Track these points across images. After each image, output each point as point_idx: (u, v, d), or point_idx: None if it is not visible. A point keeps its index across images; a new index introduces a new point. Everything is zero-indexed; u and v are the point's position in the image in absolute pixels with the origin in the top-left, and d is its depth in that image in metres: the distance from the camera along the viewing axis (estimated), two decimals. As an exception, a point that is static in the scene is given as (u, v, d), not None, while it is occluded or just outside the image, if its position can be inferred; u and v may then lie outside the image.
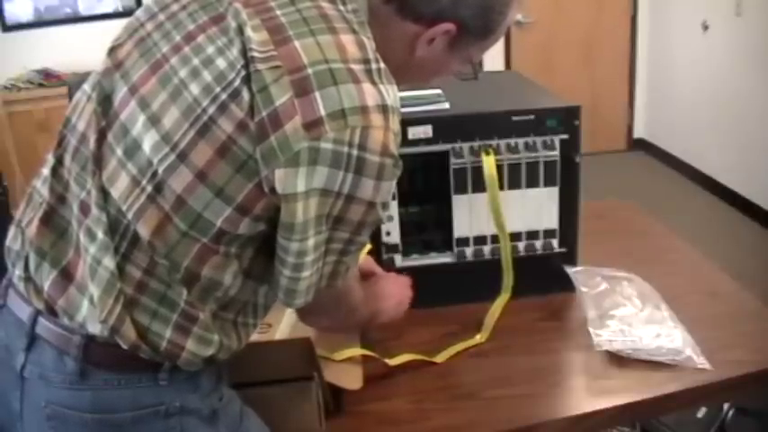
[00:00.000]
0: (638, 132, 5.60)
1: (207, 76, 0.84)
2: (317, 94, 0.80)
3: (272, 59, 0.81)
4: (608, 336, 1.33)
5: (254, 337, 1.09)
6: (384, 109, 0.84)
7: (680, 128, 5.04)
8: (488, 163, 1.41)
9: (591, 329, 1.35)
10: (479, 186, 1.44)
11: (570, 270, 1.50)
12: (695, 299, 1.50)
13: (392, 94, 0.87)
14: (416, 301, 1.41)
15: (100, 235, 0.86)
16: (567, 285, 1.49)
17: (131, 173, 0.86)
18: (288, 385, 1.10)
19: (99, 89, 0.92)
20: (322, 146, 0.80)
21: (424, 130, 1.42)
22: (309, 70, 0.81)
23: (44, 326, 0.89)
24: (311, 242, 0.85)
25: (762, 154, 4.09)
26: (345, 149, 0.81)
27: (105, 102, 0.90)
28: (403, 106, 1.49)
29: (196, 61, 0.85)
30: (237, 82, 0.81)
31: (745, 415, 1.93)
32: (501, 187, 1.43)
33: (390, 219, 1.47)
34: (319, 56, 0.82)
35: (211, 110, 0.82)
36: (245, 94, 0.81)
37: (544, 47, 5.23)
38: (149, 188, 0.84)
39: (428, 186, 1.51)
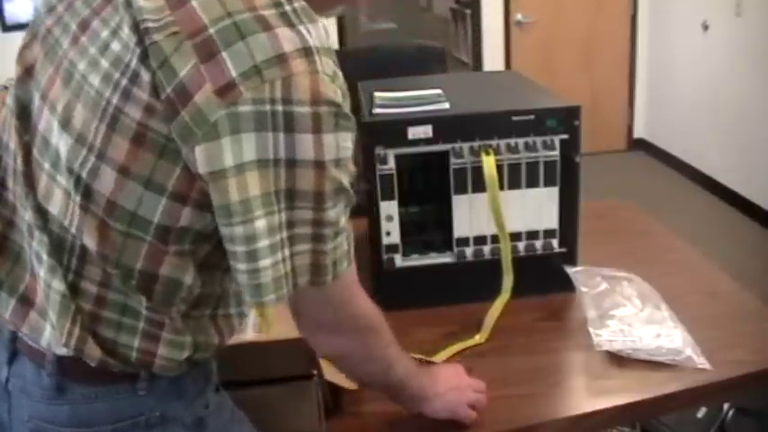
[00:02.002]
0: (638, 132, 5.60)
1: (104, 63, 0.77)
2: (225, 54, 0.72)
3: (168, 26, 0.73)
4: (608, 336, 1.33)
5: (254, 336, 1.08)
6: (307, 52, 0.74)
7: (680, 128, 5.04)
8: (488, 163, 1.41)
9: (591, 329, 1.35)
10: (479, 186, 1.44)
11: (570, 270, 1.50)
12: (695, 299, 1.50)
13: (315, 34, 0.76)
14: (417, 301, 1.41)
15: (44, 257, 0.82)
16: (567, 285, 1.49)
17: (62, 185, 0.80)
18: (288, 385, 1.10)
19: (16, 101, 0.86)
20: (240, 110, 0.72)
21: (424, 130, 1.42)
22: (212, 29, 0.72)
23: (23, 341, 0.88)
24: (261, 225, 0.76)
25: (762, 154, 4.09)
26: (268, 108, 0.73)
27: (23, 114, 0.85)
28: (403, 106, 1.50)
29: (93, 50, 0.79)
30: (134, 62, 0.74)
31: (746, 415, 1.93)
32: (501, 187, 1.43)
33: (390, 219, 1.47)
34: (221, 11, 0.73)
35: (115, 99, 0.76)
36: (145, 75, 0.74)
37: (544, 47, 5.23)
38: (78, 198, 0.79)
39: (428, 186, 1.51)
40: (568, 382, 1.30)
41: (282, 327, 1.26)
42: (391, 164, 1.43)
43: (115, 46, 0.77)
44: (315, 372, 1.11)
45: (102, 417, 0.85)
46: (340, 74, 0.79)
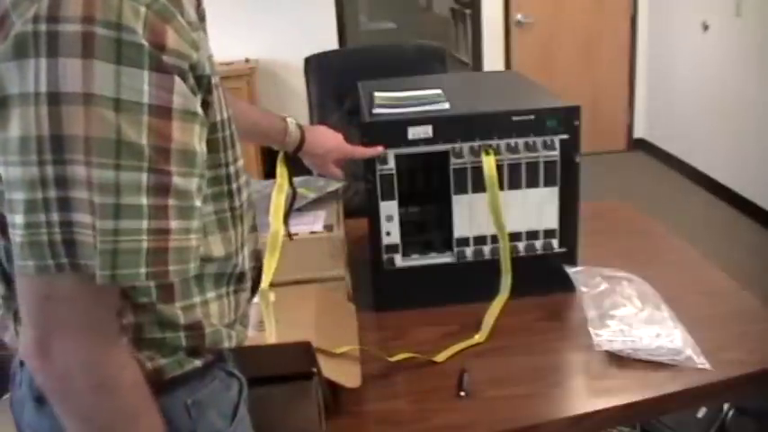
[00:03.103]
0: (638, 132, 5.60)
1: None
2: None
3: None
4: (608, 336, 1.33)
5: (254, 336, 1.08)
6: None
7: (680, 128, 5.04)
8: (488, 163, 1.41)
9: (591, 329, 1.35)
10: (479, 186, 1.44)
11: (570, 270, 1.50)
12: (695, 299, 1.50)
13: None
14: (417, 301, 1.41)
15: None
16: (567, 285, 1.49)
17: None
18: (288, 385, 1.10)
19: None
20: (8, 39, 0.64)
21: (424, 130, 1.42)
22: None
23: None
24: (14, 173, 0.65)
25: (761, 154, 4.09)
26: (30, 28, 0.63)
27: None
28: (403, 106, 1.50)
29: None
30: None
31: (746, 415, 1.93)
32: (501, 187, 1.43)
33: (390, 219, 1.47)
34: None
35: None
36: None
37: (544, 47, 5.23)
38: None
39: (428, 186, 1.51)
40: (568, 382, 1.30)
41: (284, 327, 1.26)
42: (391, 164, 1.43)
43: None
44: (315, 371, 1.11)
45: None
46: None
